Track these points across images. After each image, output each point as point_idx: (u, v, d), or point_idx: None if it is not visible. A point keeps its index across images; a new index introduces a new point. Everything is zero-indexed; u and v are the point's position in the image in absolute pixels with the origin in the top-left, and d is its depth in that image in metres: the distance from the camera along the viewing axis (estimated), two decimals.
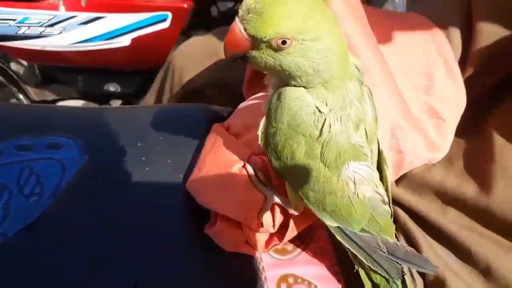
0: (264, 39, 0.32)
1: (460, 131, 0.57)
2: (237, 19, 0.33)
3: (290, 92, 0.36)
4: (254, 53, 0.34)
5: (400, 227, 0.53)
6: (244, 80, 0.59)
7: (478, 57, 0.57)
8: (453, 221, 0.52)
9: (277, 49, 0.33)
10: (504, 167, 0.50)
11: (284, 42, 0.32)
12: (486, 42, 0.56)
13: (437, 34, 0.59)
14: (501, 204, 0.49)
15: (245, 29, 0.33)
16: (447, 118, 0.56)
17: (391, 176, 0.52)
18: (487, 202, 0.50)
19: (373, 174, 0.40)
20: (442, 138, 0.55)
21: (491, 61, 0.57)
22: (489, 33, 0.56)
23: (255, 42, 0.33)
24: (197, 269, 0.47)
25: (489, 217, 0.50)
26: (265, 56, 0.34)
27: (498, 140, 0.52)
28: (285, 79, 0.36)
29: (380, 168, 0.43)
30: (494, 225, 0.50)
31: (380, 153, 0.43)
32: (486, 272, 0.49)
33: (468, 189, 0.52)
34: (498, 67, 0.57)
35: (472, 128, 0.57)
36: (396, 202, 0.54)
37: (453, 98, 0.57)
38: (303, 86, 0.36)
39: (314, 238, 0.52)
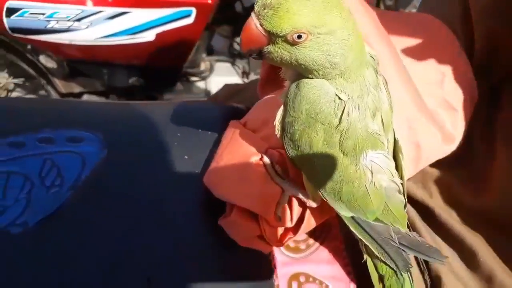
0: (280, 34, 0.33)
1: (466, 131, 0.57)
2: (253, 14, 0.33)
3: (309, 82, 0.36)
4: (270, 48, 0.34)
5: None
6: (259, 79, 0.59)
7: (478, 54, 0.56)
8: (462, 222, 0.51)
9: (293, 44, 0.33)
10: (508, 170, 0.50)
11: (299, 37, 0.33)
12: (483, 40, 0.56)
13: (445, 30, 0.58)
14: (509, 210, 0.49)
15: (261, 25, 0.33)
16: (460, 109, 0.55)
17: (409, 171, 0.52)
18: (494, 207, 0.50)
19: (389, 163, 0.40)
20: (456, 129, 0.55)
21: (489, 60, 0.56)
22: (486, 30, 0.56)
23: (271, 37, 0.33)
24: (210, 264, 0.48)
25: (496, 222, 0.50)
26: (281, 51, 0.34)
27: (501, 146, 0.52)
28: (302, 73, 0.37)
29: (395, 157, 0.43)
30: (505, 231, 0.50)
31: (395, 142, 0.43)
32: (488, 279, 0.48)
33: (475, 192, 0.52)
34: (497, 66, 0.57)
35: (476, 128, 0.57)
36: (408, 197, 0.54)
37: (464, 90, 0.56)
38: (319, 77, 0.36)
39: (328, 237, 0.52)
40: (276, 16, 0.32)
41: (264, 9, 0.32)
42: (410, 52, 0.56)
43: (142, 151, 0.54)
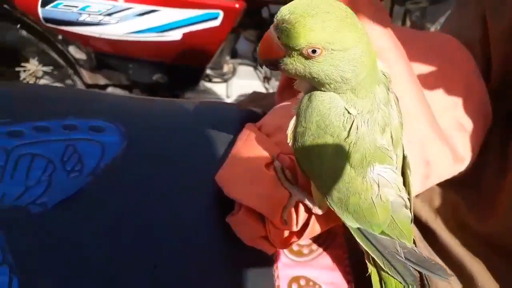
0: (295, 48, 0.34)
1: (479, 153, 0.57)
2: (272, 27, 0.35)
3: (320, 94, 0.38)
4: (286, 60, 0.36)
5: None
6: (278, 87, 0.61)
7: (495, 79, 0.57)
8: (464, 245, 0.52)
9: (307, 58, 0.35)
10: None
11: (314, 51, 0.34)
12: (501, 65, 0.56)
13: (463, 52, 0.59)
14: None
15: (278, 38, 0.35)
16: (473, 131, 0.56)
17: (416, 188, 0.53)
18: (498, 232, 0.50)
19: (397, 178, 0.41)
20: (467, 150, 0.55)
21: (506, 84, 0.57)
22: (503, 55, 0.56)
23: (287, 50, 0.35)
24: (214, 257, 0.50)
25: (498, 247, 0.50)
26: (296, 64, 0.36)
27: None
28: (315, 85, 0.38)
29: (403, 173, 0.44)
30: (506, 258, 0.50)
31: (404, 158, 0.44)
32: None
33: (481, 216, 0.52)
34: None
35: (488, 152, 0.57)
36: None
37: (479, 112, 0.57)
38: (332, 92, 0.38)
39: (332, 245, 0.54)
40: (293, 31, 0.33)
41: (283, 23, 0.34)
42: (426, 71, 0.57)
43: (160, 145, 0.56)
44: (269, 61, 0.37)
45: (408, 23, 1.60)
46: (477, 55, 0.60)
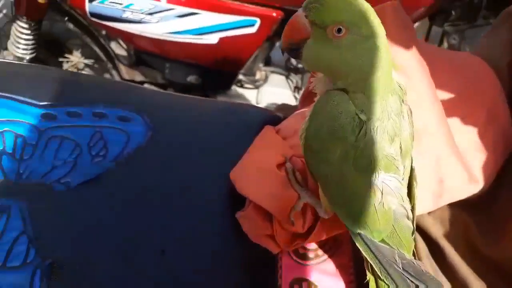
0: (321, 25, 0.36)
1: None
2: (301, 8, 0.37)
3: (333, 97, 0.39)
4: (309, 42, 0.37)
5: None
6: (301, 95, 0.63)
7: None
8: (470, 267, 0.51)
9: (332, 37, 0.36)
10: None
11: (339, 30, 0.36)
12: None
13: (490, 75, 0.59)
14: None
15: (306, 16, 0.36)
16: (492, 153, 0.55)
17: (428, 205, 0.53)
18: (507, 258, 0.49)
19: (401, 188, 0.42)
20: (484, 173, 0.55)
21: None
22: None
23: (313, 30, 0.37)
24: (220, 250, 0.52)
25: (505, 273, 0.49)
26: (318, 47, 0.37)
27: None
28: (331, 76, 0.39)
29: (410, 184, 0.44)
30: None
31: (412, 170, 0.44)
32: None
33: (491, 240, 0.51)
34: None
35: (506, 177, 0.56)
36: (421, 231, 0.55)
37: (500, 136, 0.56)
38: (346, 89, 0.39)
39: (337, 252, 0.54)
40: (322, 9, 0.35)
41: (312, 3, 0.36)
42: (449, 89, 0.57)
43: (182, 139, 0.58)
44: (293, 44, 0.38)
45: (445, 45, 1.59)
46: (504, 79, 0.60)
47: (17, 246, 0.46)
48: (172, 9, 1.34)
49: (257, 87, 1.68)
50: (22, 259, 0.45)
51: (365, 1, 0.37)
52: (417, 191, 0.44)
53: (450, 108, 0.55)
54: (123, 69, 1.57)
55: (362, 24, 0.36)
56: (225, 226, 0.53)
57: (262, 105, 1.66)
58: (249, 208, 0.50)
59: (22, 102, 0.56)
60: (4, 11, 1.72)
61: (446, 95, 0.56)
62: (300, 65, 1.69)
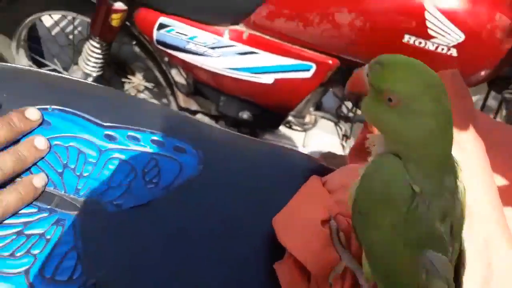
0: (377, 89, 0.36)
1: None
2: (367, 65, 0.37)
3: (388, 161, 0.38)
4: (367, 99, 0.37)
5: None
6: (351, 148, 0.63)
7: None
8: None
9: (385, 103, 0.35)
10: None
11: (390, 100, 0.35)
12: None
13: None
14: None
15: (367, 75, 0.36)
16: None
17: None
18: None
19: (448, 270, 0.39)
20: None
21: None
22: None
23: (371, 89, 0.36)
24: None
25: None
26: (374, 105, 0.37)
27: None
28: (384, 140, 0.39)
29: (457, 270, 0.42)
30: None
31: (461, 252, 0.42)
32: None
33: None
34: None
35: None
36: None
37: None
38: (400, 157, 0.37)
39: None
40: (381, 73, 0.35)
41: (376, 63, 0.36)
42: (505, 170, 0.55)
43: (230, 179, 0.60)
44: (353, 94, 0.39)
45: (504, 112, 1.55)
46: None
47: (66, 261, 0.48)
48: (233, 45, 1.39)
49: (305, 130, 1.70)
50: (69, 274, 0.47)
51: (432, 72, 0.35)
52: (464, 278, 0.42)
53: (505, 188, 0.53)
54: (180, 96, 1.64)
55: (417, 101, 0.34)
56: (261, 274, 0.53)
57: (308, 148, 1.67)
58: (289, 261, 0.50)
59: (89, 120, 0.59)
60: (79, 28, 1.85)
61: (501, 174, 0.55)
62: (350, 114, 1.70)
